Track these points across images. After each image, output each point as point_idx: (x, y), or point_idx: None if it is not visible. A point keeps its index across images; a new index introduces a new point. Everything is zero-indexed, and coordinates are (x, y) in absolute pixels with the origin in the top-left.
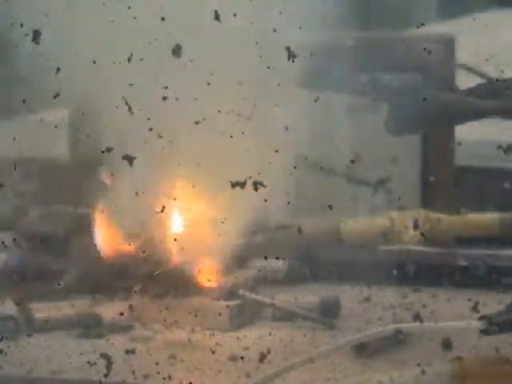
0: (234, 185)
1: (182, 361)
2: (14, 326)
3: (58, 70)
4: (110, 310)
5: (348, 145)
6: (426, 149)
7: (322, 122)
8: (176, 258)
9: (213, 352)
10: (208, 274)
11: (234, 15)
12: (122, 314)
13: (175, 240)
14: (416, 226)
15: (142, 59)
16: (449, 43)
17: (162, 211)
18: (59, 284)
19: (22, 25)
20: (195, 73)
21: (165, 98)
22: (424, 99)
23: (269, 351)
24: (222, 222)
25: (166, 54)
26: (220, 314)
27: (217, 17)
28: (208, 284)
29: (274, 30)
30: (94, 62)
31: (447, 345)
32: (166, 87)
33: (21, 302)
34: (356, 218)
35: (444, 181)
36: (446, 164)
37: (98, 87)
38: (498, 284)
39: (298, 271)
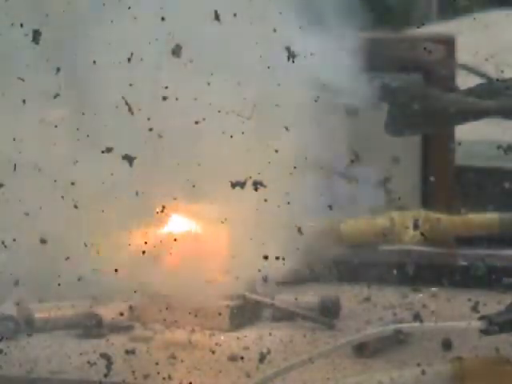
0: (234, 185)
1: (182, 361)
2: (13, 326)
3: (58, 70)
4: (109, 310)
5: (348, 145)
6: (426, 149)
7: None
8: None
9: (213, 352)
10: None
11: (234, 15)
12: (122, 314)
13: (175, 240)
14: (416, 226)
15: (142, 59)
16: (449, 43)
17: (162, 211)
18: None
19: (21, 25)
20: (195, 73)
21: (165, 98)
22: (424, 99)
23: (269, 351)
24: (222, 222)
25: (165, 54)
26: (220, 314)
27: (217, 17)
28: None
29: (274, 30)
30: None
31: (447, 345)
32: (166, 87)
33: (21, 302)
34: (356, 218)
35: (444, 181)
36: (446, 164)
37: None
38: (497, 284)
39: (297, 271)
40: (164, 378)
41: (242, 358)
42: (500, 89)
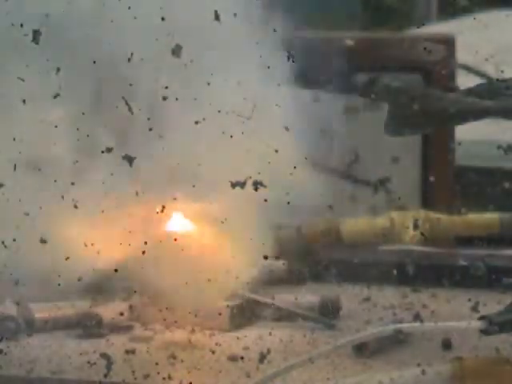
0: (234, 185)
1: (182, 361)
2: (14, 326)
3: (58, 70)
4: (109, 310)
5: (348, 145)
6: (426, 149)
7: (322, 122)
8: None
9: (213, 352)
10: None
11: (234, 15)
12: (122, 313)
13: (175, 240)
14: (416, 226)
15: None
16: (449, 43)
17: (162, 211)
18: None
19: (21, 25)
20: (195, 73)
21: (165, 98)
22: (424, 99)
23: (269, 351)
24: (222, 222)
25: (166, 54)
26: (220, 314)
27: (217, 17)
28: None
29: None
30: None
31: (447, 345)
32: (166, 87)
33: (21, 301)
34: (356, 218)
35: (444, 181)
36: (446, 164)
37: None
38: (498, 284)
39: (298, 271)
40: (164, 378)
41: (242, 357)
42: (500, 89)
